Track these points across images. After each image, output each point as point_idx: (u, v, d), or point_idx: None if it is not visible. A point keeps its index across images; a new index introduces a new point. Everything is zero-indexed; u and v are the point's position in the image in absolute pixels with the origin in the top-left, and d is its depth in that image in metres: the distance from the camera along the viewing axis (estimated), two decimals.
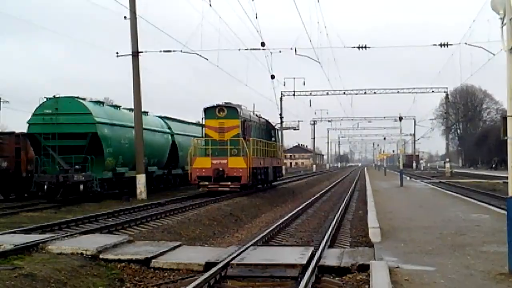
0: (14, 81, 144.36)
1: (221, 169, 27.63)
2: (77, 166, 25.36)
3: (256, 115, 34.39)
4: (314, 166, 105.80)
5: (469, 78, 49.23)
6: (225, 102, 29.21)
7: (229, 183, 27.81)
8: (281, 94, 62.81)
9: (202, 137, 30.13)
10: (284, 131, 67.94)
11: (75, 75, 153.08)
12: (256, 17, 29.70)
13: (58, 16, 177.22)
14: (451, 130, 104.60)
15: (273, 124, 41.43)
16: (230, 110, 28.60)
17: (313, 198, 29.93)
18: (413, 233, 13.78)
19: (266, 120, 37.56)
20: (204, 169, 27.84)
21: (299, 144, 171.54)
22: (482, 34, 33.60)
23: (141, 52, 27.84)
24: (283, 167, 48.03)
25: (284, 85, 54.69)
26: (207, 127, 29.04)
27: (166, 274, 10.51)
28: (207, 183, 27.92)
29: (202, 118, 29.70)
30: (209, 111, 28.79)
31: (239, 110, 28.95)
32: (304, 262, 10.17)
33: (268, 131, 36.98)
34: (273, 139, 37.64)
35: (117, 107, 30.41)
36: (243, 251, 11.44)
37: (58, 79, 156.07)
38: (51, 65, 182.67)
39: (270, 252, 11.87)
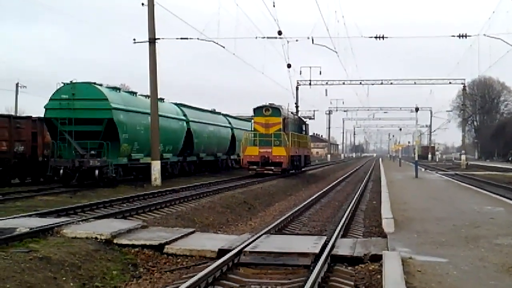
0: (23, 65, 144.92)
1: (266, 156, 34.17)
2: (92, 152, 25.51)
3: (291, 113, 41.57)
4: (328, 156, 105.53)
5: (487, 70, 48.82)
6: (269, 103, 35.44)
7: (273, 167, 34.30)
8: (297, 83, 62.41)
9: (251, 131, 36.78)
10: None
11: (86, 61, 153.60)
12: (274, 6, 29.66)
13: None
14: (467, 122, 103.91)
15: (304, 120, 48.86)
16: (274, 110, 35.10)
17: (327, 188, 29.92)
18: (426, 224, 13.74)
19: (299, 116, 46.62)
20: (253, 156, 34.40)
21: (314, 134, 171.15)
22: (501, 26, 33.28)
23: (158, 39, 27.84)
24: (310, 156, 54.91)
25: (301, 74, 54.52)
26: (256, 123, 35.57)
27: (179, 260, 10.59)
28: (255, 167, 34.44)
29: (252, 116, 36.93)
30: (258, 110, 35.41)
31: (281, 110, 35.55)
32: (317, 251, 10.19)
33: (300, 126, 43.82)
34: (304, 132, 44.81)
35: (133, 93, 30.50)
36: (256, 239, 11.49)
37: (68, 65, 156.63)
38: (60, 50, 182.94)
39: (283, 240, 11.90)
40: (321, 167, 60.96)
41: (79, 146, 25.61)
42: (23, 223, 12.20)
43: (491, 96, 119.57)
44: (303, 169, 44.66)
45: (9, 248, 9.83)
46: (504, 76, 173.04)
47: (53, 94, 26.42)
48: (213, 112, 43.31)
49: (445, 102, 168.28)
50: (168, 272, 9.87)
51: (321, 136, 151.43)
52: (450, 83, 64.72)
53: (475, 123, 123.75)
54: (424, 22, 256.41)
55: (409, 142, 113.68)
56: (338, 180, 38.64)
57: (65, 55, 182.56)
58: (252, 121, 36.92)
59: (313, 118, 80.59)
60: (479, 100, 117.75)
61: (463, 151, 73.32)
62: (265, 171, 34.08)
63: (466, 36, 35.10)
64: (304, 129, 45.14)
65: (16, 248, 9.82)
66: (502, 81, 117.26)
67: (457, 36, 35.13)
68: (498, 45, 34.92)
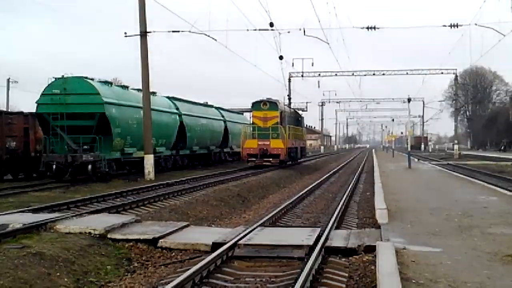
0: (14, 60, 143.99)
1: (265, 148, 35.80)
2: (85, 146, 25.47)
3: (288, 106, 44.20)
4: (322, 147, 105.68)
5: (479, 59, 48.84)
6: (267, 98, 37.14)
7: (271, 159, 35.85)
8: (290, 75, 62.29)
9: (250, 124, 38.82)
10: None
11: (77, 55, 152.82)
12: None
13: None
14: (460, 112, 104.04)
15: (300, 113, 50.51)
16: (272, 104, 36.82)
17: (320, 179, 29.95)
18: (420, 214, 13.77)
19: (295, 110, 48.82)
20: (252, 149, 36.01)
21: (307, 126, 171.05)
22: (492, 15, 33.32)
23: (149, 32, 27.72)
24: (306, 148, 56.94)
25: (293, 66, 54.34)
26: (254, 117, 37.38)
27: (173, 254, 10.58)
28: (254, 159, 35.95)
29: (251, 111, 38.88)
30: (256, 105, 37.15)
31: (278, 104, 37.47)
32: (311, 243, 10.20)
33: (297, 119, 45.70)
34: (300, 125, 46.39)
35: (125, 87, 30.41)
36: (250, 231, 11.49)
37: (59, 59, 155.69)
38: (51, 44, 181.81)
39: (277, 232, 11.91)
40: (315, 158, 61.07)
41: (72, 141, 25.54)
42: (16, 219, 12.18)
43: (483, 86, 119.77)
44: (299, 160, 46.04)
45: (2, 244, 9.81)
46: (496, 65, 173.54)
47: (44, 89, 26.31)
48: (205, 105, 43.27)
49: (437, 92, 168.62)
50: (162, 266, 9.86)
51: (314, 127, 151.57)
52: (442, 73, 64.78)
53: (467, 113, 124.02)
54: (416, 12, 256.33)
55: (402, 133, 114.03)
56: (332, 171, 38.69)
57: (56, 49, 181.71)
58: (251, 115, 38.67)
59: (306, 110, 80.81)
60: (471, 89, 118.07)
61: (455, 141, 73.50)
62: (264, 163, 35.51)
63: (457, 26, 35.04)
64: (300, 121, 46.80)
65: (9, 244, 9.80)
66: (494, 71, 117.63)
67: (449, 26, 35.09)
68: (489, 34, 34.94)
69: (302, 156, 47.87)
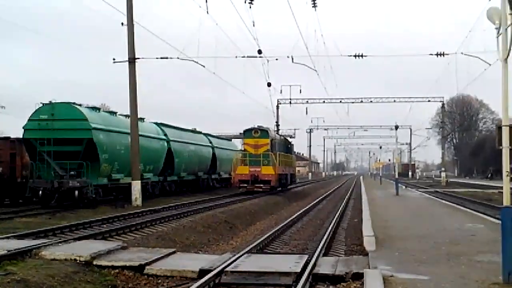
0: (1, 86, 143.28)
1: (256, 174, 36.75)
2: (72, 172, 25.30)
3: (278, 134, 46.62)
4: (310, 174, 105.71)
5: (465, 87, 49.25)
6: (258, 126, 38.49)
7: (262, 185, 36.83)
8: (278, 101, 62.66)
9: (242, 151, 39.84)
10: None
11: (65, 81, 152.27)
12: (253, 25, 29.75)
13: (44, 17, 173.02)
14: (447, 140, 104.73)
15: (290, 141, 52.29)
16: (263, 132, 37.99)
17: (308, 206, 29.91)
18: (407, 242, 13.77)
19: (285, 137, 50.61)
20: (243, 175, 36.93)
21: (295, 152, 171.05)
22: (478, 44, 33.66)
23: (138, 58, 27.79)
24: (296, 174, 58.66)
25: (281, 92, 54.55)
26: (246, 144, 38.52)
27: (159, 281, 10.48)
28: (245, 185, 36.86)
29: (242, 138, 41.19)
30: (247, 132, 38.39)
31: (269, 132, 38.73)
32: (298, 270, 10.16)
33: (287, 146, 46.77)
34: (290, 152, 47.65)
35: (113, 113, 30.36)
36: (237, 258, 11.43)
37: (47, 85, 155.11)
38: (39, 70, 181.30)
39: (265, 259, 11.85)
40: (303, 185, 61.07)
41: (58, 167, 25.38)
42: (1, 246, 12.03)
43: (470, 114, 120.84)
44: (289, 187, 47.02)
45: None
46: (482, 93, 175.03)
47: (32, 114, 26.21)
48: (193, 131, 43.28)
49: (424, 119, 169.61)
50: None
51: (302, 154, 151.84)
52: (429, 101, 65.47)
53: (454, 140, 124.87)
54: (403, 41, 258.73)
55: (389, 160, 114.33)
56: (320, 197, 38.70)
57: (44, 75, 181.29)
58: (242, 142, 40.24)
59: (294, 137, 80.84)
60: (458, 117, 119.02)
61: (443, 169, 73.82)
62: (255, 189, 36.39)
63: (443, 55, 35.41)
64: (290, 149, 48.24)
65: None
66: (481, 99, 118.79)
67: (435, 54, 35.46)
68: (475, 63, 35.26)
69: (292, 182, 48.98)
